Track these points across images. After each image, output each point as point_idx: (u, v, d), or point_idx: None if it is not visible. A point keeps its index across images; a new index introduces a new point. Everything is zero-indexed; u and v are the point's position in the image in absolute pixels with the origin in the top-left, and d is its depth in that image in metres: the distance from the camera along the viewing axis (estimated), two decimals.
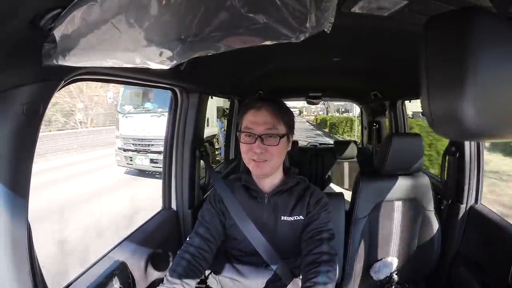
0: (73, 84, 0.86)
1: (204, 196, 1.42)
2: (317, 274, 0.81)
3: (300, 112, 31.78)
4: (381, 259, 1.37)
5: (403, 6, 0.75)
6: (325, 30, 0.37)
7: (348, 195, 1.58)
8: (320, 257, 0.85)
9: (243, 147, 0.90)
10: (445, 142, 2.03)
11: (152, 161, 5.99)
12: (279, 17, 0.36)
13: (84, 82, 0.77)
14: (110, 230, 3.66)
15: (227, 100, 2.60)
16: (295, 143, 0.95)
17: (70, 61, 0.45)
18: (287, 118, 0.91)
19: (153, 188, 5.07)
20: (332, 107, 23.20)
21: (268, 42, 0.38)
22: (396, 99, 2.36)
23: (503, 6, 0.35)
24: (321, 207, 0.94)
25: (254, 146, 0.87)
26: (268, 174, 0.93)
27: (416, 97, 2.05)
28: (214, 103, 6.46)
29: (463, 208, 1.33)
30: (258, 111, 0.88)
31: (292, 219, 0.93)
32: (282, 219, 0.94)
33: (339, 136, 12.82)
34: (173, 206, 1.30)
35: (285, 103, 0.95)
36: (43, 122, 0.55)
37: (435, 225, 1.34)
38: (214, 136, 6.51)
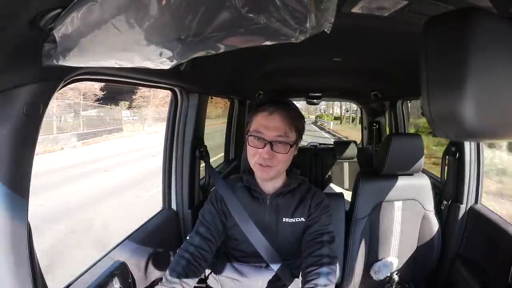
0: None
1: (204, 196, 1.42)
2: (317, 276, 0.81)
3: None
4: (381, 259, 1.37)
5: (403, 6, 0.75)
6: (325, 30, 0.37)
7: (348, 195, 1.58)
8: (320, 259, 0.85)
9: (250, 150, 0.87)
10: None
11: None
12: (279, 17, 0.36)
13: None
14: None
15: None
16: None
17: (70, 61, 0.45)
18: (299, 124, 0.88)
19: None
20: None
21: (268, 42, 0.38)
22: (396, 99, 2.36)
23: (503, 6, 0.35)
24: (322, 210, 0.94)
25: (262, 151, 0.84)
26: (272, 179, 0.92)
27: (416, 97, 2.05)
28: None
29: (463, 208, 1.33)
30: (271, 115, 0.85)
31: (294, 220, 0.93)
32: (283, 220, 0.93)
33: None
34: (173, 206, 1.29)
35: (298, 108, 0.92)
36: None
37: (435, 225, 1.34)
38: None
